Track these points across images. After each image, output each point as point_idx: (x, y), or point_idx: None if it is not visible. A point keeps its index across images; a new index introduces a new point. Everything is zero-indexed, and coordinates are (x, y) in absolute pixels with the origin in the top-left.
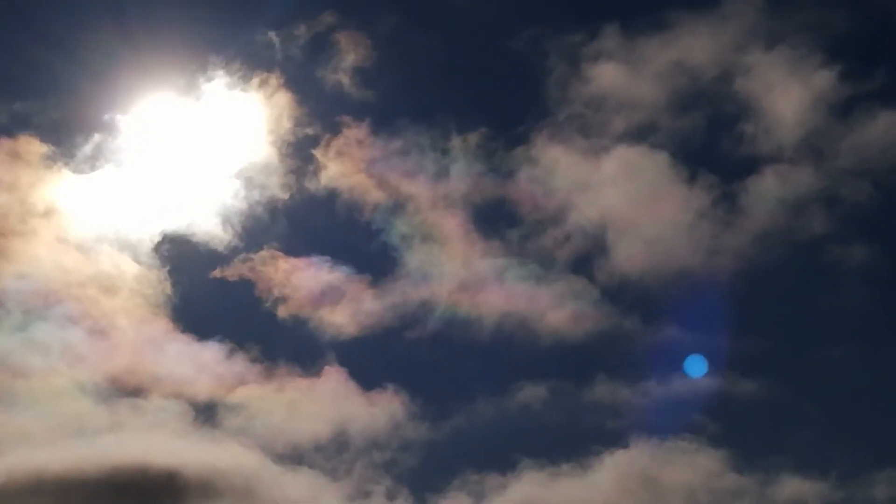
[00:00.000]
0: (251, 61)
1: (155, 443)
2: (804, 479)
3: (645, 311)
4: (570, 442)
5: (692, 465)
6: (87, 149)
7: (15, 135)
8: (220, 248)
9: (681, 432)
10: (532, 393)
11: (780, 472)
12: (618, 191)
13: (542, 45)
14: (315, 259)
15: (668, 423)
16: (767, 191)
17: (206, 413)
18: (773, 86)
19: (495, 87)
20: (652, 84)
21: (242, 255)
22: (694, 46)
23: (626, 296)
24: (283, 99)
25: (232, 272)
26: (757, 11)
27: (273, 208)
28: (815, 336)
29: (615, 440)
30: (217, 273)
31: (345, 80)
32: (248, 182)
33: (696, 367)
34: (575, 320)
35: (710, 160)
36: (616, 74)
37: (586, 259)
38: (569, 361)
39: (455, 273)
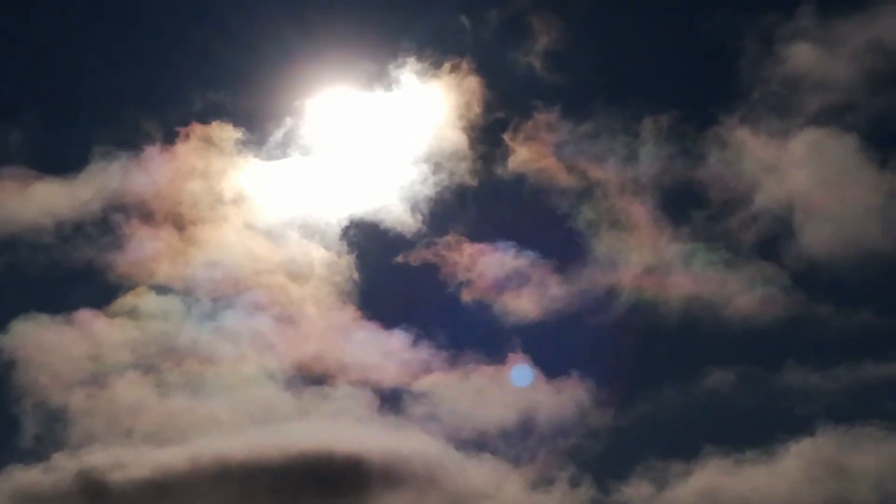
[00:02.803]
0: (442, 46)
1: (340, 430)
2: None
3: (835, 295)
4: (756, 428)
5: (881, 452)
6: (278, 136)
7: (209, 121)
8: (407, 234)
9: (870, 418)
10: (720, 378)
11: None
12: (810, 172)
13: (735, 26)
14: (500, 244)
15: (857, 409)
16: None
17: (391, 401)
18: None
19: (688, 68)
20: (848, 64)
21: (426, 240)
22: (893, 25)
23: (816, 280)
24: (474, 84)
25: (416, 257)
26: None
27: (461, 193)
28: None
29: (802, 427)
30: (401, 258)
31: (536, 63)
32: (437, 167)
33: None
34: (764, 305)
35: None
36: (811, 55)
37: (776, 242)
38: (757, 346)
39: (642, 258)
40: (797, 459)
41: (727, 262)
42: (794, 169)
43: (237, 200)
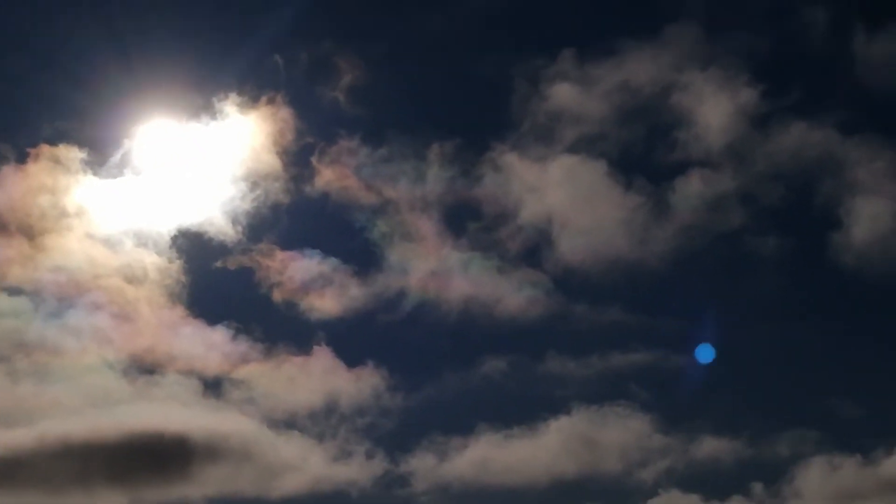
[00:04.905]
0: (259, 82)
1: (169, 413)
2: (720, 438)
3: (588, 296)
4: (522, 408)
5: (625, 427)
6: (117, 157)
7: (56, 144)
8: (228, 242)
9: (617, 399)
10: (492, 366)
11: (700, 433)
12: (567, 192)
13: (508, 68)
14: (307, 252)
15: (606, 391)
16: (694, 190)
17: (214, 387)
18: (704, 101)
19: (468, 103)
20: (600, 101)
21: (244, 248)
22: (638, 69)
23: (572, 283)
24: (286, 115)
25: (234, 262)
26: (694, 38)
27: (274, 208)
28: (732, 315)
29: (560, 407)
30: (222, 264)
31: (341, 97)
32: (254, 185)
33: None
34: (529, 304)
35: (648, 164)
36: (570, 93)
37: (538, 251)
38: (524, 339)
39: (427, 264)
40: (556, 434)
41: (498, 269)
42: (553, 189)
43: (80, 213)
